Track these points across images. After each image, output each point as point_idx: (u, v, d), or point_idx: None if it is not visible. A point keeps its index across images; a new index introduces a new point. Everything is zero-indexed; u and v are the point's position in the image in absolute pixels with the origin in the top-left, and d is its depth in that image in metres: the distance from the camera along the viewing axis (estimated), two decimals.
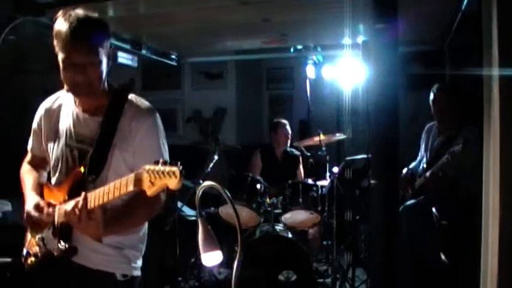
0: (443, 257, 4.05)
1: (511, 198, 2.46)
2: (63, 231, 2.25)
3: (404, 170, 4.96)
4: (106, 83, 2.32)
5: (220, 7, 4.91)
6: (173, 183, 1.78)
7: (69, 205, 2.10)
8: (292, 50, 6.90)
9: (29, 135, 2.60)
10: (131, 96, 2.39)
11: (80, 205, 2.03)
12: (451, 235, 4.04)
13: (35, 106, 2.57)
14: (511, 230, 2.48)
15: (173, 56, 7.53)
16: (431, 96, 4.63)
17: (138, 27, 5.92)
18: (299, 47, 6.81)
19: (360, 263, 5.63)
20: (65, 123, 2.38)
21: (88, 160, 2.24)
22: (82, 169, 2.22)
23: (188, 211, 5.79)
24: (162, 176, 1.79)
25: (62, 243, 2.23)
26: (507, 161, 2.46)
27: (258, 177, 5.33)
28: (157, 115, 2.38)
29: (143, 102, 2.40)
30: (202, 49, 7.40)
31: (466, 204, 3.90)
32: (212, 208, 5.55)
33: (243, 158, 6.30)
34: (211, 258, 2.01)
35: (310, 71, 6.69)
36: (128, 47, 6.34)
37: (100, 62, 2.20)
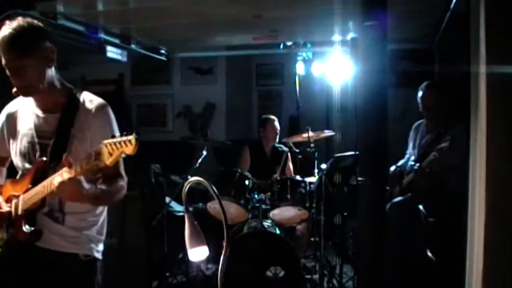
0: (429, 254, 4.07)
1: (497, 195, 2.48)
2: (28, 217, 2.42)
3: (392, 168, 4.97)
4: (57, 82, 2.53)
5: (211, 2, 4.90)
6: (129, 149, 1.97)
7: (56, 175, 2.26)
8: (282, 46, 6.90)
9: None
10: (84, 93, 2.59)
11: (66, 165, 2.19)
12: (437, 232, 4.05)
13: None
14: (497, 227, 2.49)
15: (163, 51, 7.51)
16: (420, 93, 4.64)
17: (128, 22, 5.90)
18: (289, 43, 6.82)
19: (347, 260, 5.65)
20: (26, 123, 2.58)
21: (49, 150, 2.46)
22: (44, 158, 2.44)
23: (176, 206, 5.78)
24: (119, 146, 1.98)
25: (27, 226, 2.39)
26: (493, 158, 2.47)
27: (247, 173, 5.33)
28: (108, 107, 2.57)
29: (96, 98, 2.59)
30: (192, 44, 7.38)
31: (453, 201, 3.91)
32: (200, 204, 5.55)
33: (232, 153, 6.30)
34: (198, 253, 2.01)
35: (299, 68, 6.70)
36: (117, 41, 6.32)
37: (33, 65, 2.37)
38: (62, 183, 2.19)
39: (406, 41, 6.66)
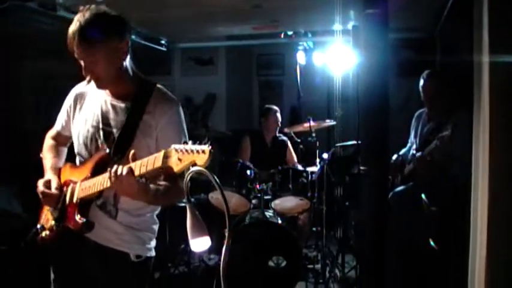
0: (432, 243, 4.07)
1: (500, 184, 2.47)
2: (82, 206, 2.34)
3: (394, 157, 4.96)
4: (130, 71, 2.47)
5: None
6: (202, 159, 1.85)
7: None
8: (282, 36, 6.88)
9: (24, 119, 2.68)
10: (158, 86, 2.51)
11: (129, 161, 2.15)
12: (440, 221, 4.05)
13: (27, 91, 2.63)
14: (500, 215, 2.49)
15: (163, 42, 7.49)
16: (421, 82, 4.62)
17: (127, 12, 5.85)
18: (290, 33, 6.79)
19: (349, 249, 5.65)
20: (94, 107, 2.49)
21: (114, 141, 2.37)
22: (107, 150, 2.34)
23: None
24: (190, 153, 1.87)
25: (79, 216, 2.31)
26: (497, 147, 2.46)
27: (248, 163, 5.33)
28: (180, 106, 2.51)
29: (168, 93, 2.53)
30: (192, 35, 7.36)
31: (455, 190, 3.91)
32: (202, 194, 5.54)
33: (233, 144, 6.29)
34: (200, 244, 2.00)
35: (300, 57, 6.67)
36: None
37: (102, 59, 2.30)
38: (120, 177, 2.10)
39: (408, 30, 6.64)
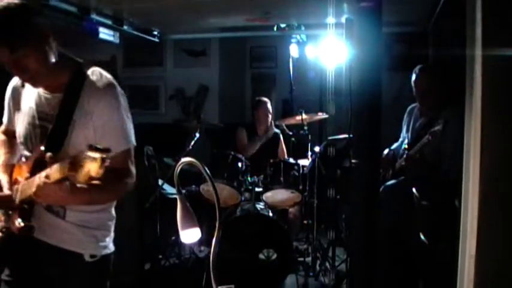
0: (422, 237, 4.08)
1: (490, 179, 2.47)
2: (23, 209, 2.19)
3: (386, 151, 4.97)
4: (60, 59, 2.24)
5: None
6: (93, 167, 1.71)
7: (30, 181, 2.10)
8: (275, 28, 6.86)
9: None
10: (91, 70, 2.32)
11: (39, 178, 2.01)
12: (430, 215, 4.06)
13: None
14: (490, 211, 2.50)
15: (155, 33, 7.47)
16: (413, 77, 4.62)
17: (120, 3, 5.84)
18: (283, 25, 6.77)
19: (340, 243, 5.66)
20: (28, 101, 2.35)
21: (48, 136, 2.22)
22: (42, 147, 2.16)
23: (169, 189, 5.77)
24: (85, 161, 1.72)
25: (19, 220, 2.16)
26: (488, 142, 2.46)
27: (240, 156, 5.32)
28: (117, 89, 2.32)
29: (102, 77, 2.32)
30: (185, 26, 7.33)
31: (446, 184, 3.92)
32: (193, 186, 5.54)
33: (225, 136, 6.29)
34: (190, 235, 2.00)
35: (293, 50, 6.66)
36: (109, 22, 6.26)
37: (28, 55, 2.09)
38: (38, 187, 1.97)
39: (401, 24, 6.65)
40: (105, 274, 2.45)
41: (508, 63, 2.40)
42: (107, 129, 2.22)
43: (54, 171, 1.91)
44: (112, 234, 2.48)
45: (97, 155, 1.70)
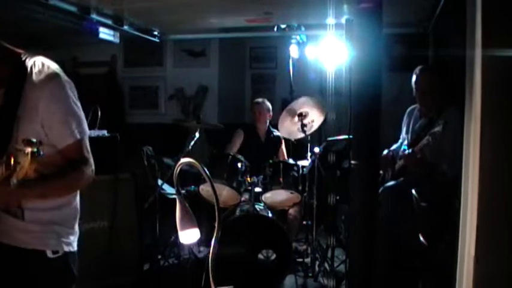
0: (422, 238, 4.08)
1: (490, 180, 2.47)
2: None
3: (385, 152, 4.97)
4: (1, 52, 2.15)
5: None
6: (26, 163, 1.68)
7: None
8: (275, 29, 6.86)
9: None
10: (32, 61, 2.18)
11: None
12: (430, 217, 4.06)
13: None
14: (489, 212, 2.49)
15: (155, 33, 7.47)
16: (414, 78, 4.61)
17: (120, 3, 5.84)
18: (283, 26, 6.78)
19: (339, 244, 5.66)
20: None
21: None
22: None
23: (168, 189, 5.77)
24: (20, 157, 1.69)
25: None
26: (487, 143, 2.46)
27: (239, 156, 5.32)
28: (62, 79, 2.18)
29: (45, 67, 2.17)
30: (185, 26, 7.34)
31: (446, 186, 3.91)
32: (193, 186, 5.54)
33: (224, 136, 6.29)
34: (189, 236, 2.00)
35: (293, 51, 6.66)
36: (109, 22, 6.27)
37: None
38: None
39: (401, 25, 6.65)
40: (68, 270, 2.33)
41: (507, 64, 2.40)
42: (54, 122, 2.13)
43: None
44: (76, 232, 2.37)
45: (28, 149, 1.66)
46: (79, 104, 2.23)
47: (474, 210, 2.53)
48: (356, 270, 3.67)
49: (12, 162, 1.71)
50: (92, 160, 2.25)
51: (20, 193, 1.95)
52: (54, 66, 2.19)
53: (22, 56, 2.20)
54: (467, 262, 2.66)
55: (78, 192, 2.36)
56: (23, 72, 2.13)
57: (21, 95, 2.10)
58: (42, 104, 2.10)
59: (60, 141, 2.16)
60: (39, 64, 2.16)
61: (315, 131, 5.73)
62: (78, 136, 2.19)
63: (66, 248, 2.29)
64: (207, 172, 1.86)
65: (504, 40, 2.42)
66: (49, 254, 2.22)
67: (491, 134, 2.47)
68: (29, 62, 2.16)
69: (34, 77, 2.12)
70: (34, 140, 1.68)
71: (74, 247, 2.34)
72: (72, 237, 2.33)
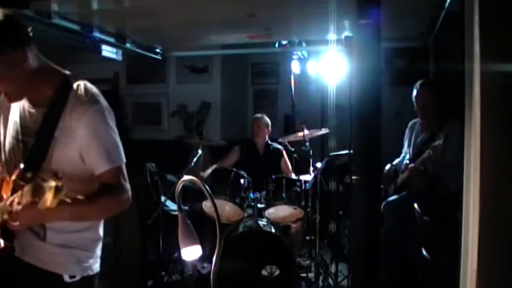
0: (424, 252, 4.08)
1: (491, 194, 2.48)
2: (5, 228, 2.09)
3: (388, 166, 4.98)
4: (43, 69, 2.19)
5: (205, 1, 4.90)
6: (49, 196, 1.70)
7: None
8: (277, 45, 6.90)
9: None
10: (76, 84, 2.20)
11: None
12: (432, 231, 4.06)
13: None
14: (491, 226, 2.50)
15: (158, 50, 7.51)
16: (415, 92, 4.64)
17: (123, 21, 5.89)
18: (284, 42, 6.81)
19: (342, 258, 5.66)
20: (14, 116, 2.27)
21: (27, 154, 2.14)
22: (22, 165, 2.07)
23: (172, 206, 5.78)
24: (45, 189, 1.71)
25: (1, 241, 2.11)
26: (487, 156, 2.47)
27: (242, 172, 5.33)
28: (102, 104, 2.20)
29: (86, 91, 2.19)
30: (187, 43, 7.38)
31: (448, 199, 3.92)
32: (197, 203, 5.55)
33: (227, 152, 6.31)
34: (191, 252, 2.01)
35: (295, 66, 6.71)
36: (112, 40, 6.31)
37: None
38: (15, 213, 1.92)
39: (402, 40, 6.68)
40: None
41: (505, 77, 2.42)
42: (92, 148, 2.15)
43: (24, 195, 1.86)
44: (97, 255, 2.38)
45: (52, 183, 1.68)
46: (117, 131, 2.25)
47: (476, 224, 2.53)
48: (359, 285, 3.67)
49: (36, 192, 1.73)
50: (128, 187, 2.24)
51: (45, 215, 1.93)
52: (95, 91, 2.21)
53: (67, 77, 2.22)
54: (469, 275, 2.66)
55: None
56: (66, 94, 2.15)
57: (61, 117, 2.12)
58: (81, 130, 2.11)
59: (97, 167, 2.17)
60: (82, 88, 2.18)
61: (317, 146, 5.74)
62: (115, 164, 2.19)
63: (84, 273, 2.28)
64: (208, 189, 1.88)
65: (501, 54, 2.45)
66: (66, 278, 2.22)
67: (491, 148, 2.49)
68: (73, 85, 2.18)
69: (75, 100, 2.13)
70: (60, 175, 1.69)
71: (94, 270, 2.34)
72: (91, 261, 2.32)
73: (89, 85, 2.24)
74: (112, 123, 2.23)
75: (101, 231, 2.40)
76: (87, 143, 2.14)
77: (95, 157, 2.15)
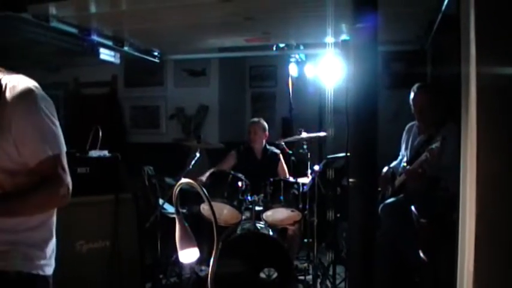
0: (422, 254, 4.09)
1: (487, 195, 2.49)
2: None
3: (385, 169, 4.99)
4: None
5: (203, 5, 4.91)
6: None
7: None
8: (275, 48, 6.91)
9: None
10: (8, 78, 2.10)
11: None
12: (429, 233, 4.07)
13: None
14: (488, 228, 2.51)
15: (156, 53, 7.52)
16: (412, 95, 4.66)
17: (121, 24, 5.90)
18: (282, 45, 6.82)
19: (340, 261, 5.66)
20: None
21: None
22: None
23: (170, 208, 5.78)
24: None
25: None
26: (484, 158, 2.49)
27: (240, 175, 5.33)
28: (37, 94, 2.09)
29: (20, 83, 2.09)
30: (185, 46, 7.39)
31: (445, 202, 3.93)
32: (194, 206, 5.55)
33: (225, 155, 6.31)
34: (188, 255, 2.02)
35: (292, 69, 6.72)
36: (110, 43, 6.32)
37: None
38: None
39: (399, 43, 6.69)
40: None
41: (501, 80, 2.44)
42: (27, 138, 2.05)
43: None
44: (50, 258, 2.25)
45: None
46: (56, 121, 2.15)
47: (472, 226, 2.54)
48: (357, 287, 3.68)
49: None
50: (68, 179, 2.14)
51: None
52: (30, 84, 2.11)
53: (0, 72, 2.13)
54: (466, 277, 2.67)
55: (54, 214, 2.27)
56: (0, 90, 2.06)
57: None
58: (15, 121, 2.03)
59: (32, 158, 2.07)
60: (15, 82, 2.08)
61: (315, 148, 5.75)
62: (51, 152, 2.09)
63: (34, 271, 2.16)
64: (206, 192, 1.89)
65: (497, 57, 2.46)
66: (12, 275, 2.10)
67: (487, 150, 2.50)
68: (5, 80, 2.09)
69: (8, 94, 2.05)
70: None
71: (46, 271, 2.22)
72: (43, 262, 2.20)
73: (24, 78, 2.13)
74: (49, 112, 2.12)
75: (53, 230, 2.27)
76: (21, 133, 2.05)
77: (30, 146, 2.06)
